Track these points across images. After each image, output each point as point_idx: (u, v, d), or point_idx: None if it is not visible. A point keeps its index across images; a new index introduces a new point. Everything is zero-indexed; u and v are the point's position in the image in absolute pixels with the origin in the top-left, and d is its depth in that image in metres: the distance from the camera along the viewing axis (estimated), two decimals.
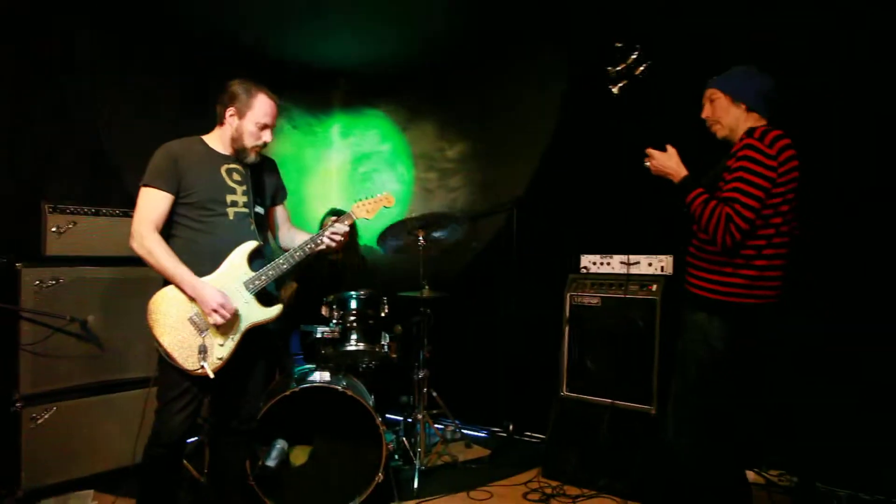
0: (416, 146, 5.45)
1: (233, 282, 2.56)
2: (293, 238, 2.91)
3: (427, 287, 3.97)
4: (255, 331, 2.60)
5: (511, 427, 4.60)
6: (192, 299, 2.47)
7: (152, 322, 2.46)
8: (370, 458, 3.20)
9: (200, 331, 2.48)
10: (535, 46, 4.72)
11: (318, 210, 4.58)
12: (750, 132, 2.50)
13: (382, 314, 3.63)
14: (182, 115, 4.32)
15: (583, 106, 4.42)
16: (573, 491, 3.53)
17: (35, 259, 3.29)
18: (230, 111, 2.61)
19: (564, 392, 3.80)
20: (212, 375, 2.46)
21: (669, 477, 3.21)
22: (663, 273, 3.65)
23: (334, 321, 3.53)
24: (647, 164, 2.69)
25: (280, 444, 3.09)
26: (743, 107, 2.60)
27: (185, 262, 2.48)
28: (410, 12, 4.36)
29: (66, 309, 3.29)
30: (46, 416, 3.24)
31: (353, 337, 3.51)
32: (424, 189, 5.37)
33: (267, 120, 2.63)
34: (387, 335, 3.63)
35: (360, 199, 2.87)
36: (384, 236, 4.01)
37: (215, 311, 2.45)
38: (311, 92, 5.63)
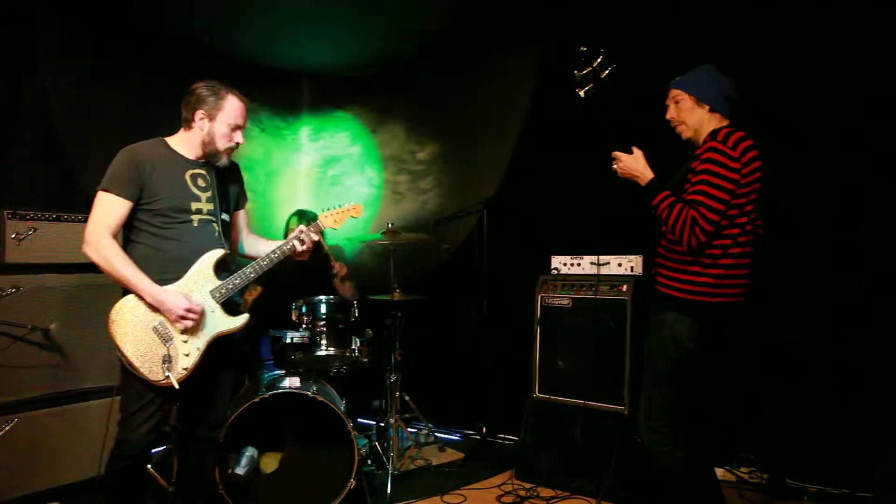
0: (386, 148, 5.43)
1: (198, 290, 2.50)
2: (255, 245, 2.86)
3: (398, 290, 3.95)
4: (221, 339, 2.55)
5: (484, 430, 4.60)
6: (153, 309, 2.41)
7: (114, 332, 2.39)
8: (342, 464, 3.17)
9: (165, 340, 2.42)
10: (503, 47, 4.75)
11: (286, 213, 4.52)
12: (713, 134, 2.53)
13: (353, 318, 3.59)
14: (147, 118, 4.21)
15: (552, 106, 4.46)
16: (547, 493, 3.53)
17: None
18: (199, 114, 2.54)
19: (537, 394, 3.80)
20: (177, 386, 2.40)
21: (643, 477, 3.23)
22: (633, 273, 3.68)
23: (304, 326, 3.49)
24: (614, 166, 2.70)
25: (250, 452, 3.04)
26: (706, 108, 2.62)
27: (147, 270, 2.42)
28: (378, 13, 4.34)
29: (28, 318, 3.20)
30: (8, 428, 3.14)
31: (324, 342, 3.46)
32: (394, 192, 5.35)
33: (239, 121, 2.59)
34: (357, 339, 3.59)
35: (329, 209, 2.84)
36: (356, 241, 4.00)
37: (182, 316, 2.40)
38: (278, 94, 5.59)
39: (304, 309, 3.53)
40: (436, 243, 4.28)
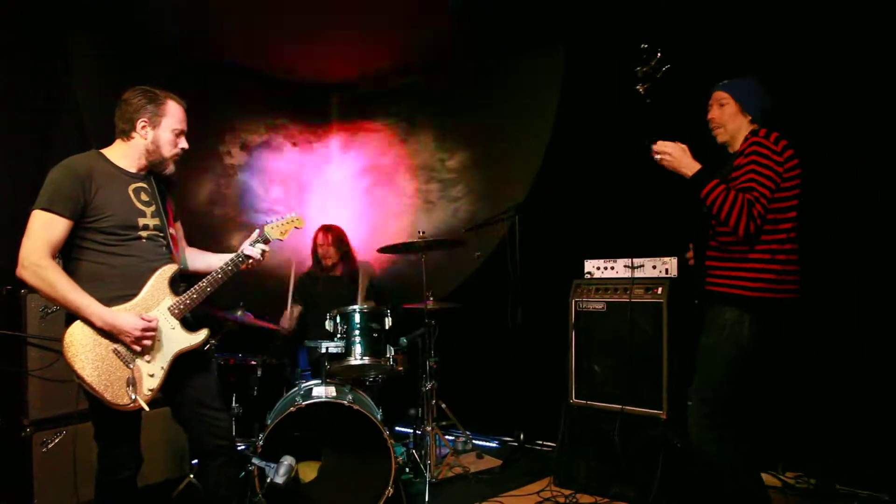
0: (416, 158, 5.46)
1: (156, 308, 2.39)
2: (199, 258, 2.77)
3: (431, 298, 3.97)
4: (189, 354, 2.45)
5: (522, 436, 4.57)
6: (105, 333, 2.25)
7: (70, 358, 2.21)
8: (380, 472, 3.18)
9: (127, 363, 2.28)
10: (529, 51, 4.75)
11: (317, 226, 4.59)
12: (754, 132, 2.60)
13: (387, 327, 3.62)
14: None
15: (580, 109, 4.44)
16: (586, 499, 3.49)
17: None
18: (141, 122, 2.41)
19: (573, 399, 3.77)
20: (146, 408, 2.30)
21: (683, 482, 3.18)
22: (668, 276, 3.62)
23: (339, 336, 3.52)
24: (657, 157, 2.66)
25: (288, 461, 3.06)
26: (748, 118, 2.69)
27: (99, 288, 2.28)
28: (405, 23, 4.38)
29: None
30: (56, 441, 3.24)
31: (358, 351, 3.49)
32: (426, 201, 5.38)
33: (182, 125, 2.48)
34: (392, 348, 3.61)
35: (272, 222, 2.78)
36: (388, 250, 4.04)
37: (139, 337, 2.27)
38: (308, 108, 5.68)
39: (338, 319, 3.57)
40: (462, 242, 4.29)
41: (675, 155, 2.61)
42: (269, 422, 3.23)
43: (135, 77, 4.21)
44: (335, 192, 5.86)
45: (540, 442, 4.55)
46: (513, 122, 4.87)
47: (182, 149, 2.52)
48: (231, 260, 2.59)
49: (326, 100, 5.84)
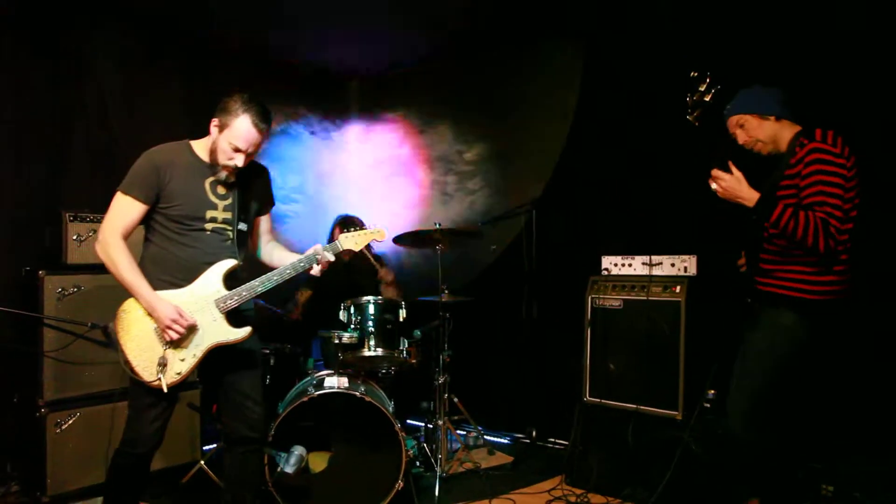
0: (434, 149, 5.42)
1: (203, 298, 2.49)
2: (272, 254, 2.81)
3: (446, 291, 3.94)
4: (233, 348, 2.54)
5: (534, 433, 4.54)
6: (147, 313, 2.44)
7: (119, 327, 2.45)
8: (390, 465, 3.18)
9: (164, 343, 2.44)
10: (550, 43, 4.69)
11: (335, 216, 4.56)
12: (809, 135, 2.55)
13: (401, 319, 3.59)
14: (203, 123, 4.35)
15: (600, 103, 4.39)
16: (597, 499, 3.46)
17: (56, 267, 3.32)
18: (215, 121, 2.52)
19: (587, 397, 3.73)
20: (165, 389, 2.42)
21: (695, 485, 3.13)
22: (687, 274, 3.57)
23: (352, 326, 3.51)
24: (714, 186, 2.61)
25: (298, 451, 3.04)
26: (772, 118, 2.65)
27: (157, 271, 2.47)
28: (424, 13, 4.33)
29: (88, 316, 3.31)
30: (70, 422, 3.27)
31: (372, 342, 3.47)
32: (443, 193, 5.34)
33: (240, 144, 2.48)
34: (406, 340, 3.59)
35: (352, 230, 2.76)
36: (402, 240, 4.01)
37: (169, 326, 2.40)
38: (328, 97, 5.66)
39: (352, 310, 3.55)
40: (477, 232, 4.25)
41: (730, 185, 2.56)
42: (280, 411, 3.22)
43: (156, 67, 4.32)
44: (352, 182, 5.84)
45: (552, 439, 4.51)
46: (532, 116, 4.82)
47: (235, 165, 2.52)
48: (291, 265, 2.61)
49: (345, 89, 5.82)
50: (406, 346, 3.58)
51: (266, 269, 2.68)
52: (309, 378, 3.54)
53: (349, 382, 3.31)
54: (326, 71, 5.47)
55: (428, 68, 5.34)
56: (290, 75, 5.33)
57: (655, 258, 3.67)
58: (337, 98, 5.76)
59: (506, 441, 4.66)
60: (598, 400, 3.68)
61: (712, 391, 3.43)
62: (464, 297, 4.10)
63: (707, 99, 2.58)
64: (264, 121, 2.51)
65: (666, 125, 3.99)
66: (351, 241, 2.73)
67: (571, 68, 4.55)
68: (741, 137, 2.72)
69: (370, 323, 3.52)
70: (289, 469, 2.94)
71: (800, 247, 2.50)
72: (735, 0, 3.70)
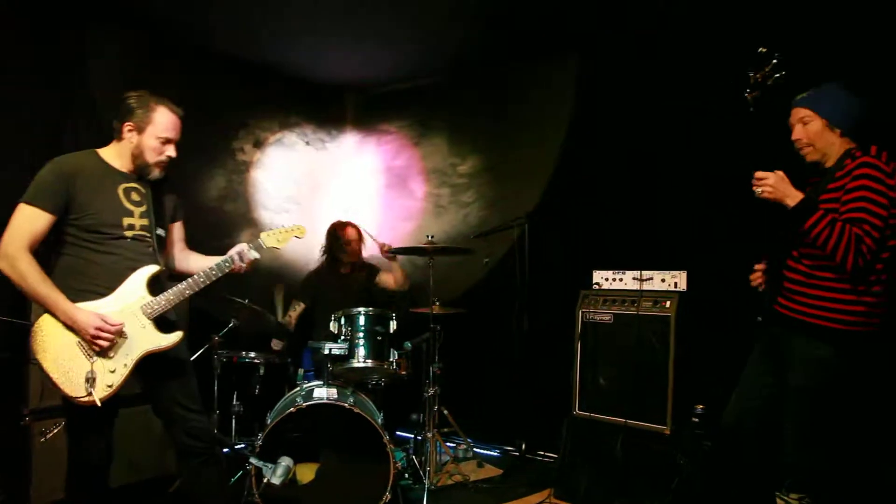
0: (428, 161, 5.44)
1: (129, 306, 2.42)
2: (187, 260, 2.78)
3: (437, 303, 3.94)
4: (162, 356, 2.48)
5: (523, 446, 4.52)
6: (66, 326, 2.32)
7: (36, 347, 2.30)
8: (378, 477, 3.15)
9: (89, 356, 2.33)
10: (544, 58, 4.73)
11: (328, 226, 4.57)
12: (857, 148, 2.45)
13: (391, 330, 3.59)
14: (194, 130, 4.36)
15: (594, 118, 4.42)
16: None
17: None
18: (128, 126, 2.46)
19: (576, 411, 3.73)
20: (98, 403, 2.31)
21: (684, 499, 3.13)
22: (677, 289, 3.58)
23: (343, 337, 3.50)
24: (756, 188, 2.48)
25: (286, 462, 3.04)
26: (838, 132, 2.50)
27: (75, 282, 2.36)
28: (420, 27, 4.37)
29: None
30: (55, 431, 3.23)
31: (361, 353, 3.47)
32: (437, 205, 5.36)
33: (169, 134, 2.49)
34: (396, 352, 3.59)
35: (272, 230, 2.78)
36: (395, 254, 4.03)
37: (95, 336, 2.30)
38: (322, 108, 5.68)
39: (343, 321, 3.55)
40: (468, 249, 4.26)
41: (774, 184, 2.43)
42: (268, 421, 3.21)
43: (152, 72, 4.33)
44: (347, 193, 5.85)
45: (542, 452, 4.50)
46: (526, 130, 4.85)
47: (168, 156, 2.52)
48: (216, 265, 2.60)
49: (341, 100, 5.84)
50: (396, 357, 3.57)
51: (184, 276, 2.61)
52: (298, 389, 3.53)
53: (338, 393, 3.30)
54: (322, 82, 5.49)
55: (423, 82, 5.38)
56: (285, 85, 5.35)
57: (646, 273, 3.69)
58: (332, 109, 5.79)
59: (495, 454, 4.64)
60: (588, 414, 3.68)
61: (701, 406, 3.45)
62: (455, 309, 4.10)
63: (769, 83, 2.44)
64: (178, 105, 2.55)
65: (660, 141, 4.05)
66: (273, 239, 2.74)
67: (565, 84, 4.59)
68: (798, 132, 2.55)
69: (360, 334, 3.51)
70: (276, 480, 2.93)
71: (828, 260, 2.38)
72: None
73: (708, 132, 3.75)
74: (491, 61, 4.93)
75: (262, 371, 3.81)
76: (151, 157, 2.50)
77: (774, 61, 2.42)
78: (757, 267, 2.76)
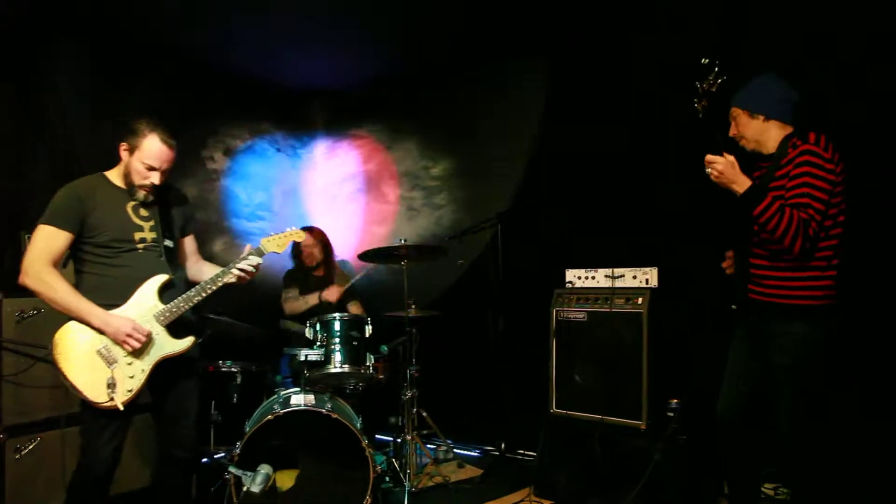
0: (400, 165, 5.45)
1: (142, 314, 2.56)
2: (201, 270, 2.92)
3: (413, 306, 3.95)
4: (174, 361, 2.62)
5: (503, 445, 4.55)
6: (100, 332, 2.47)
7: (58, 357, 2.44)
8: (358, 482, 3.16)
9: (109, 363, 2.48)
10: (514, 61, 4.77)
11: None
12: (795, 135, 2.58)
13: (367, 335, 3.60)
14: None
15: (563, 119, 4.47)
16: None
17: (15, 289, 3.24)
18: (124, 145, 2.62)
19: (553, 409, 3.77)
20: (121, 408, 2.46)
21: (662, 494, 3.19)
22: (649, 286, 3.64)
23: (318, 343, 3.50)
24: (708, 170, 2.57)
25: (265, 470, 3.03)
26: (761, 118, 2.65)
27: (94, 296, 2.50)
28: (388, 30, 4.38)
29: (47, 339, 3.16)
30: (30, 448, 3.19)
31: (338, 359, 3.48)
32: (409, 208, 5.37)
33: (153, 162, 2.60)
34: (372, 356, 3.60)
35: (270, 235, 2.85)
36: (369, 256, 4.03)
37: (128, 337, 2.46)
38: (293, 114, 5.67)
39: (318, 327, 3.55)
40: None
41: (723, 170, 2.53)
42: (246, 430, 3.20)
43: (119, 84, 4.28)
44: (318, 198, 5.84)
45: (521, 451, 4.53)
46: (497, 132, 4.89)
47: (151, 183, 2.62)
48: (222, 271, 2.72)
49: (312, 106, 5.83)
50: (373, 361, 3.59)
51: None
52: (276, 396, 3.52)
53: (316, 399, 3.30)
54: (292, 88, 5.48)
55: (395, 85, 5.38)
56: (255, 92, 5.33)
57: (618, 271, 3.74)
58: (303, 115, 5.78)
59: (475, 454, 4.67)
60: (564, 411, 3.73)
61: (675, 400, 3.51)
62: (431, 311, 4.12)
63: (714, 90, 2.55)
64: (172, 137, 2.63)
65: (629, 141, 4.11)
66: (273, 244, 2.84)
67: (536, 86, 4.64)
68: (732, 130, 2.73)
69: (336, 339, 3.52)
70: (255, 489, 2.91)
71: (776, 244, 2.50)
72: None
73: (674, 131, 3.82)
74: (461, 64, 4.96)
75: (239, 380, 3.79)
76: (136, 179, 2.62)
77: (716, 69, 2.54)
78: (727, 254, 2.86)
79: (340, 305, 4.33)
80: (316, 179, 5.86)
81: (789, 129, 2.65)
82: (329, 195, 5.84)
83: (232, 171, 5.18)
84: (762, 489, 3.58)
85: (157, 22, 4.11)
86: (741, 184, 2.53)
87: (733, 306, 2.75)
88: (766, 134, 2.66)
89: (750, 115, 2.66)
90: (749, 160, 2.72)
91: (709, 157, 2.56)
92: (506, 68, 4.83)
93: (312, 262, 4.45)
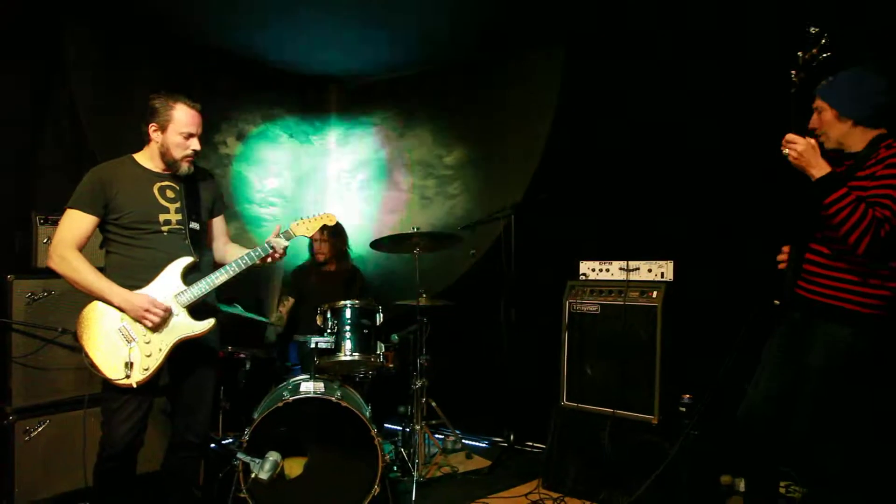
0: (414, 153, 5.41)
1: (164, 295, 2.58)
2: (228, 252, 2.92)
3: (424, 295, 3.93)
4: (194, 345, 2.64)
5: (512, 437, 4.54)
6: (120, 310, 2.52)
7: (81, 333, 2.51)
8: (366, 470, 3.15)
9: (128, 342, 2.52)
10: (529, 50, 4.71)
11: None
12: (886, 136, 2.42)
13: (378, 323, 3.58)
14: None
15: (579, 109, 4.41)
16: (574, 503, 3.46)
17: (26, 271, 3.26)
18: (152, 127, 2.62)
19: (564, 401, 3.74)
20: (135, 385, 2.50)
21: (672, 489, 3.15)
22: (664, 279, 3.59)
23: (329, 331, 3.48)
24: (786, 151, 2.41)
25: (273, 457, 3.03)
26: (849, 122, 2.46)
27: (118, 276, 2.55)
28: (404, 17, 4.32)
29: (58, 321, 3.25)
30: (39, 430, 3.20)
31: (348, 347, 3.46)
32: (422, 197, 5.33)
33: (191, 129, 2.63)
34: (382, 345, 3.58)
35: (301, 218, 2.88)
36: (381, 244, 4.00)
37: (146, 311, 2.49)
38: (306, 99, 5.63)
39: (329, 314, 3.53)
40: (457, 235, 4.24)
41: (802, 151, 2.37)
42: (255, 416, 3.19)
43: (132, 70, 4.27)
44: (331, 185, 5.81)
45: (530, 443, 4.51)
46: (512, 121, 4.83)
47: (194, 150, 2.66)
48: (246, 254, 2.73)
49: (325, 92, 5.78)
50: (383, 350, 3.57)
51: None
52: (285, 383, 3.50)
53: (325, 387, 3.28)
54: (306, 74, 5.44)
55: (408, 73, 5.33)
56: (268, 78, 5.29)
57: (633, 263, 3.69)
58: (316, 101, 5.73)
59: (484, 445, 4.65)
60: (575, 404, 3.69)
61: (688, 395, 3.47)
62: (442, 301, 4.09)
63: (814, 65, 2.39)
64: (196, 100, 2.66)
65: (646, 131, 4.05)
66: (302, 228, 2.86)
67: (551, 75, 4.57)
68: (814, 121, 2.53)
69: (347, 327, 3.50)
70: (263, 475, 2.91)
71: (841, 241, 2.35)
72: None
73: (696, 124, 3.76)
74: (476, 52, 4.89)
75: (248, 366, 3.78)
76: (178, 153, 2.64)
77: (823, 41, 2.37)
78: (784, 248, 2.72)
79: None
80: (328, 166, 5.83)
81: (879, 132, 2.46)
82: (341, 182, 5.80)
83: (244, 156, 5.16)
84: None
85: (171, 7, 4.08)
86: (820, 168, 2.36)
87: (776, 301, 2.61)
88: (851, 138, 2.48)
89: (838, 118, 2.47)
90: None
91: (790, 136, 2.41)
92: (522, 56, 4.77)
93: (321, 257, 4.42)
